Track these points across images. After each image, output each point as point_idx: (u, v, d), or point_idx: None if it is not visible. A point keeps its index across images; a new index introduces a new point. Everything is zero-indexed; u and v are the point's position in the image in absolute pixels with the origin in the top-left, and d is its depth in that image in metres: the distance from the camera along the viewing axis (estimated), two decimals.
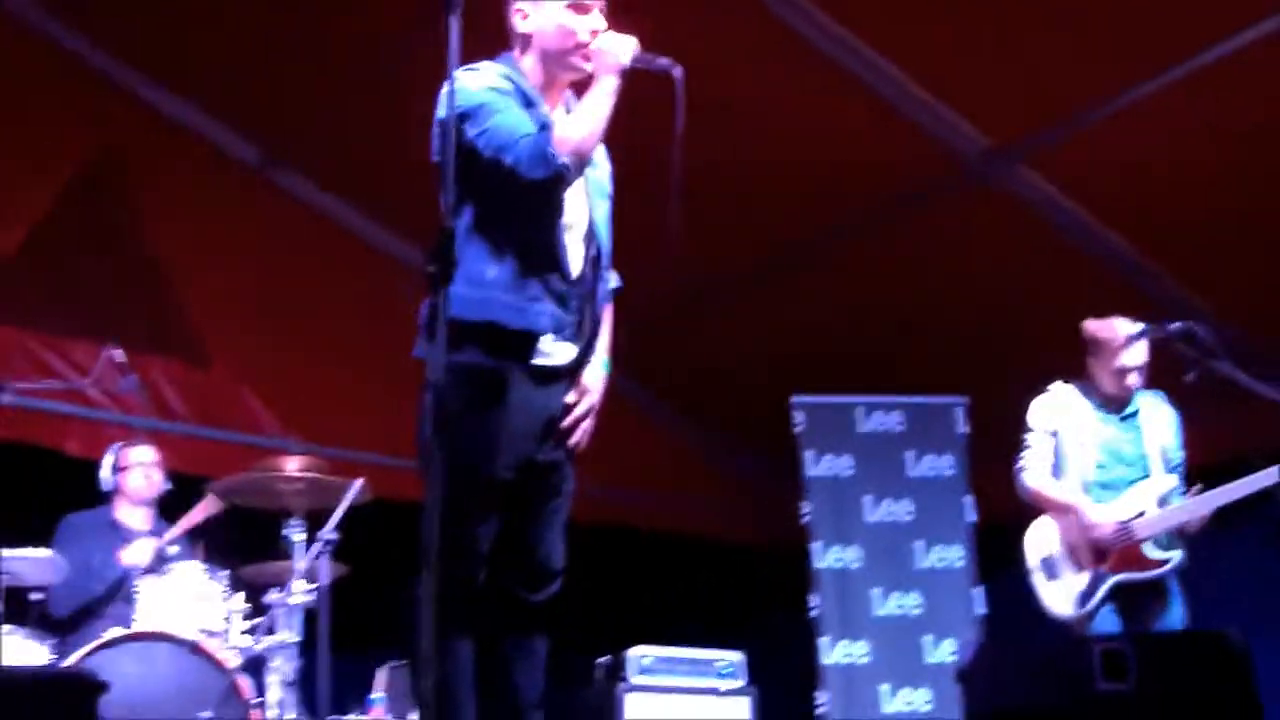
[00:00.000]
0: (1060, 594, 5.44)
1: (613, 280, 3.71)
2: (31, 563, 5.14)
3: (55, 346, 6.85)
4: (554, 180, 3.32)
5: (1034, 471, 5.52)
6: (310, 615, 5.22)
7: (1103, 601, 5.33)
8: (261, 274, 7.56)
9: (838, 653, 6.77)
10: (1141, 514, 5.28)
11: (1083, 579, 5.37)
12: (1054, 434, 5.51)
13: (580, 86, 3.52)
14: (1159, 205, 6.49)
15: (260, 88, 7.23)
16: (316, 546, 5.11)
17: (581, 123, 3.36)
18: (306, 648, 5.23)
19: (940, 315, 7.26)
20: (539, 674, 3.55)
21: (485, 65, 3.49)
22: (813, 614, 6.88)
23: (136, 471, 6.08)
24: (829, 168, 6.74)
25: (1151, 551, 5.26)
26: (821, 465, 7.13)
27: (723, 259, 7.39)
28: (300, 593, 5.20)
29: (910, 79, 6.27)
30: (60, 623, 5.54)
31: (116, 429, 6.80)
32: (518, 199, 3.35)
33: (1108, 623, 5.29)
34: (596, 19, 3.49)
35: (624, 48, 3.41)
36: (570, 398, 3.53)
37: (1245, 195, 6.26)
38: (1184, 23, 5.66)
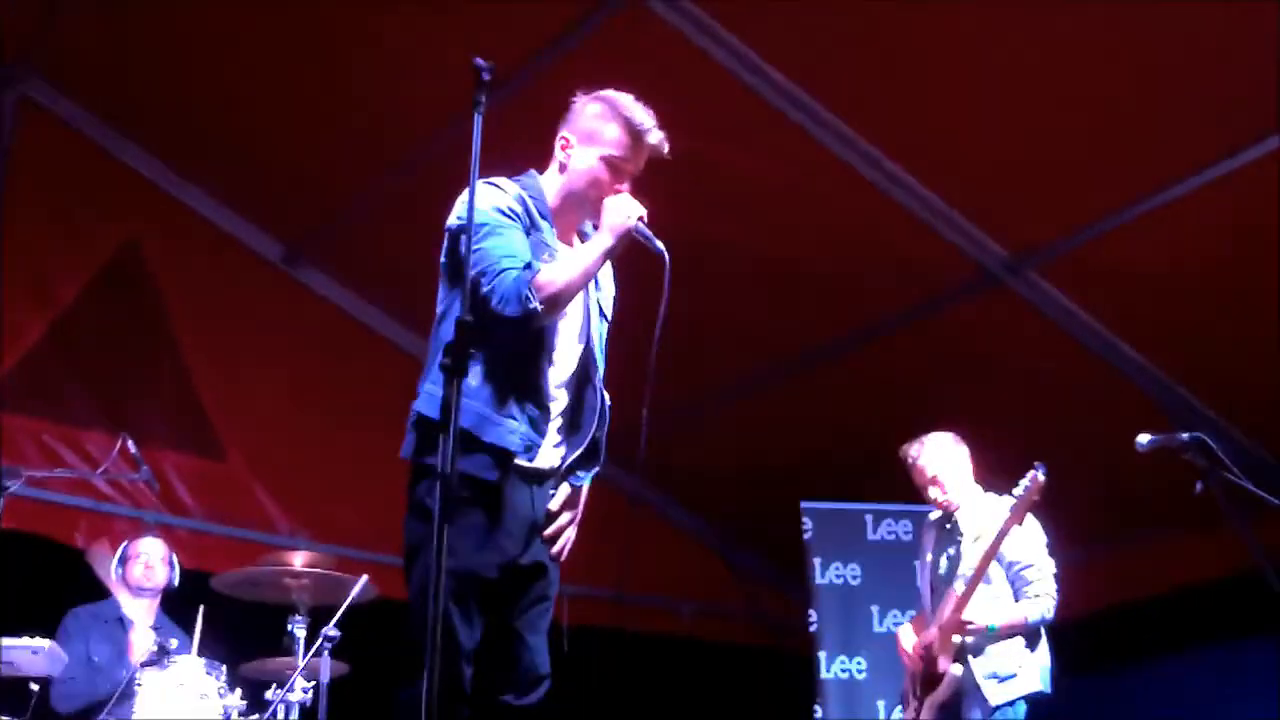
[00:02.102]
0: None
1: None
2: (30, 653, 5.10)
3: (68, 438, 6.90)
4: (522, 320, 3.32)
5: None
6: (309, 713, 5.18)
7: None
8: (279, 369, 7.65)
9: None
10: (939, 629, 5.29)
11: (913, 707, 5.40)
12: (920, 566, 5.64)
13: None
14: (1169, 316, 6.52)
15: (284, 185, 7.36)
16: (318, 644, 5.07)
17: (565, 272, 3.38)
18: None
19: (954, 421, 7.24)
20: None
21: (504, 182, 3.52)
22: None
23: (138, 563, 6.07)
24: (848, 275, 6.83)
25: (944, 665, 5.23)
26: (829, 573, 7.07)
27: (742, 357, 7.44)
28: (300, 690, 5.17)
29: (931, 190, 6.37)
30: (60, 715, 5.50)
31: (125, 522, 6.83)
32: (494, 322, 3.36)
33: None
34: (624, 188, 3.52)
35: (631, 214, 3.42)
36: (554, 504, 3.52)
37: (1252, 308, 6.28)
38: (1196, 137, 5.75)
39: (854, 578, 7.04)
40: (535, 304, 3.30)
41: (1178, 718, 6.96)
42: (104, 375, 7.12)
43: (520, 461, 3.40)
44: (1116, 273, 6.43)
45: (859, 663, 6.87)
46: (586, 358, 3.59)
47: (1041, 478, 5.11)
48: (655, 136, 3.53)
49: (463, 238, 3.31)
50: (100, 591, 6.09)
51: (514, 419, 3.39)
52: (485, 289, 3.32)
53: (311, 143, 6.96)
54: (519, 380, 3.42)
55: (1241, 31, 5.26)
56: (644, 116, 3.53)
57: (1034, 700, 5.16)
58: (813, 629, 6.98)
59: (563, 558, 3.56)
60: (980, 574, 5.14)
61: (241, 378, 7.53)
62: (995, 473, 6.71)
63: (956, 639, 5.19)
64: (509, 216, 3.44)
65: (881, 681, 6.83)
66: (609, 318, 3.71)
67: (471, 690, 3.35)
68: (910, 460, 5.55)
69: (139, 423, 6.64)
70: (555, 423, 3.51)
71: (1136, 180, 6.01)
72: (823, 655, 6.90)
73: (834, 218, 6.58)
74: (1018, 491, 5.14)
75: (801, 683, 6.98)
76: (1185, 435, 4.79)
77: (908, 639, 5.47)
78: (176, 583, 6.17)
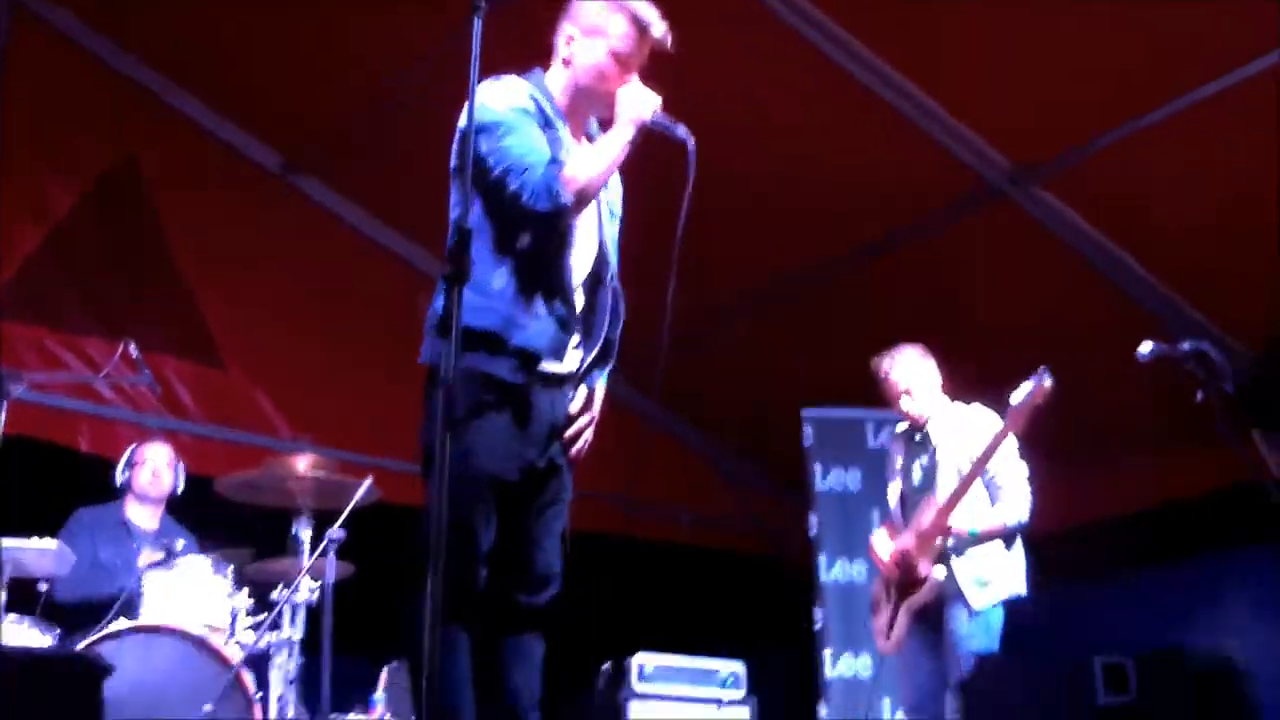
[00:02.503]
0: (878, 629, 5.55)
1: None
2: (36, 553, 5.13)
3: (71, 343, 6.90)
4: (554, 215, 3.34)
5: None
6: (314, 613, 5.25)
7: (908, 630, 5.40)
8: (279, 277, 7.63)
9: (840, 666, 6.76)
10: (918, 535, 5.35)
11: (887, 612, 5.45)
12: (890, 487, 5.69)
13: (606, 121, 3.55)
14: (1174, 229, 6.52)
15: (283, 93, 7.31)
16: (323, 545, 5.12)
17: (592, 164, 3.38)
18: (309, 646, 5.26)
19: (956, 333, 7.26)
20: (536, 676, 3.55)
21: (514, 80, 3.50)
22: (817, 627, 6.85)
23: (145, 468, 6.10)
24: (852, 186, 6.81)
25: (925, 570, 5.30)
26: (830, 479, 7.12)
27: (745, 274, 7.42)
28: (305, 590, 5.23)
29: (937, 102, 6.35)
30: (66, 613, 5.56)
31: (128, 427, 6.86)
32: (521, 219, 3.37)
33: (912, 650, 5.39)
34: (621, 72, 3.51)
35: (647, 104, 3.43)
36: (574, 407, 3.54)
37: (1256, 221, 6.27)
38: (1197, 52, 5.75)
39: (854, 484, 7.09)
40: (566, 198, 3.30)
41: (1170, 625, 7.04)
42: (103, 284, 7.11)
43: (547, 366, 3.40)
44: (1120, 186, 6.42)
45: (859, 567, 6.94)
46: (600, 257, 3.59)
47: (1048, 383, 5.15)
48: (659, 29, 3.52)
49: (476, 137, 3.29)
50: (105, 494, 6.13)
51: (540, 319, 3.39)
52: (514, 186, 3.32)
53: (310, 52, 6.90)
54: (545, 279, 3.42)
55: None
56: (648, 9, 3.52)
57: (1011, 604, 5.24)
58: (813, 534, 7.04)
59: (579, 458, 3.59)
60: (973, 477, 5.20)
61: (240, 286, 7.52)
62: (995, 385, 6.76)
63: (938, 543, 5.26)
64: (525, 114, 3.43)
65: None
66: (619, 216, 3.71)
67: (486, 590, 3.39)
68: (882, 374, 5.61)
69: (139, 330, 6.59)
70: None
71: (1143, 93, 5.98)
72: (823, 559, 6.96)
73: (836, 130, 6.55)
74: (1020, 395, 5.17)
75: (801, 589, 7.05)
76: (1186, 345, 4.81)
77: (883, 546, 5.52)
78: (181, 488, 6.22)
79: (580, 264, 3.54)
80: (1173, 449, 7.12)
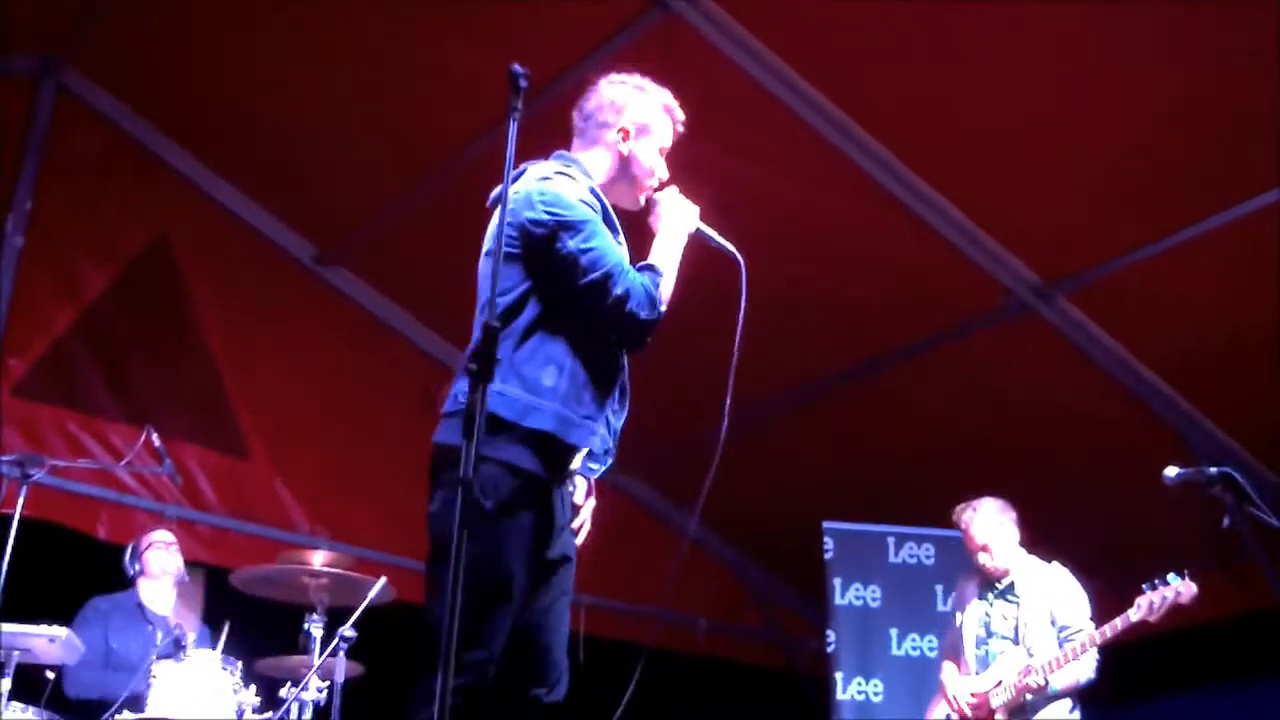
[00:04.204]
0: None
1: None
2: (46, 641, 5.10)
3: (93, 428, 6.91)
4: (653, 323, 3.36)
5: (939, 654, 5.77)
6: (322, 713, 5.17)
7: None
8: (306, 369, 7.65)
9: None
10: (999, 684, 5.35)
11: None
12: (955, 618, 5.72)
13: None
14: (1203, 349, 6.47)
15: (318, 185, 7.36)
16: (334, 643, 5.07)
17: (670, 277, 3.43)
18: None
19: (980, 447, 7.22)
20: None
21: (576, 172, 3.49)
22: None
23: (159, 549, 6.10)
24: (876, 297, 6.80)
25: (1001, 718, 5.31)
26: (849, 594, 7.03)
27: (770, 382, 7.39)
28: (314, 689, 5.16)
29: (967, 216, 6.35)
30: (73, 704, 5.50)
31: (147, 515, 6.84)
32: (610, 323, 3.34)
33: None
34: (664, 167, 3.59)
35: (692, 214, 3.50)
36: (578, 498, 3.50)
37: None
38: (1221, 178, 5.75)
39: (874, 599, 6.99)
40: (662, 307, 3.35)
41: None
42: (130, 369, 7.13)
43: (576, 463, 3.35)
44: (1147, 302, 6.39)
45: (876, 685, 6.81)
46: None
47: (1195, 589, 5.21)
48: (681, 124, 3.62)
49: (560, 234, 3.29)
50: (121, 583, 6.10)
51: (592, 419, 3.35)
52: (618, 292, 3.29)
53: (346, 145, 6.97)
54: (600, 381, 3.38)
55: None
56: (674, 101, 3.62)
57: None
58: (830, 650, 6.93)
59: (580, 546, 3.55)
60: (1088, 645, 5.24)
61: (268, 376, 7.54)
62: (1018, 506, 6.71)
63: (1025, 698, 5.28)
64: (597, 214, 3.42)
65: (898, 704, 6.76)
66: None
67: (501, 686, 3.31)
68: (963, 526, 5.68)
69: (163, 417, 6.64)
70: None
71: (1172, 211, 5.98)
72: (839, 676, 6.84)
73: (863, 239, 6.56)
74: (1167, 594, 5.20)
75: (817, 705, 6.93)
76: (1213, 470, 4.76)
77: (959, 687, 5.49)
78: (187, 576, 6.20)
79: None
80: (1198, 572, 7.02)
